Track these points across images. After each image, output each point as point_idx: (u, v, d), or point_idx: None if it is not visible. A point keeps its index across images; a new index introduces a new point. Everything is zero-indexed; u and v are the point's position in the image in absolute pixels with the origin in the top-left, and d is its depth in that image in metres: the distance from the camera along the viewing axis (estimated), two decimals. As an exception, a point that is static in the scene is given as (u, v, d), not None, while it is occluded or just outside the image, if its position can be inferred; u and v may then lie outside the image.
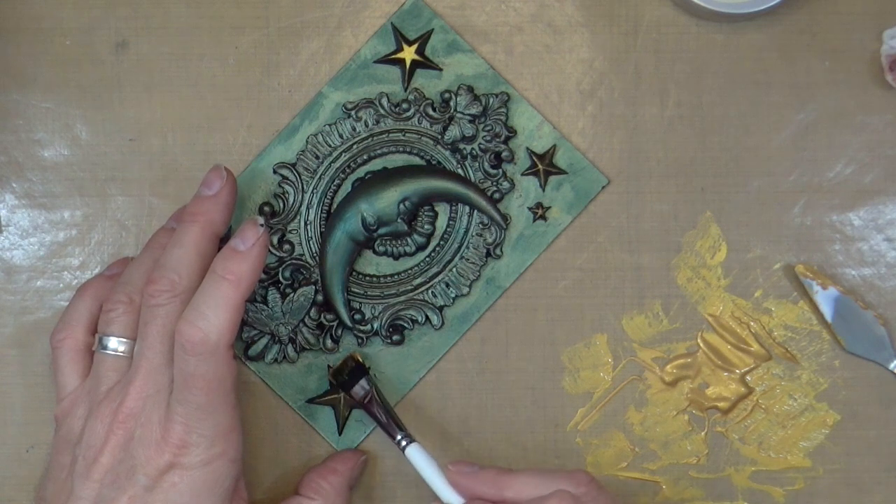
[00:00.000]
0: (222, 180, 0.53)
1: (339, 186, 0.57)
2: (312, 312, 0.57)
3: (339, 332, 0.57)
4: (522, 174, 0.57)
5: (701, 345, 0.58)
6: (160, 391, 0.50)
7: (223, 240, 0.53)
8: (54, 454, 0.52)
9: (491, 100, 0.57)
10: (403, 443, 0.54)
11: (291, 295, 0.57)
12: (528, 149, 0.57)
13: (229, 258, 0.50)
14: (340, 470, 0.55)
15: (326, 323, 0.57)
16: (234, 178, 0.53)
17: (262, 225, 0.51)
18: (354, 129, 0.57)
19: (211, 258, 0.52)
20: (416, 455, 0.54)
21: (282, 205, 0.57)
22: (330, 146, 0.57)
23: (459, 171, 0.57)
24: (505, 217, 0.57)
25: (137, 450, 0.50)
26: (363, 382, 0.55)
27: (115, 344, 0.52)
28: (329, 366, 0.57)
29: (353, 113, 0.57)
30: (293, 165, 0.57)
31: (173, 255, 0.51)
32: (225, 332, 0.49)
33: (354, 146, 0.57)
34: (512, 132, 0.57)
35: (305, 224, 0.57)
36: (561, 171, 0.58)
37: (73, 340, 0.53)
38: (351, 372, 0.56)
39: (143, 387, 0.50)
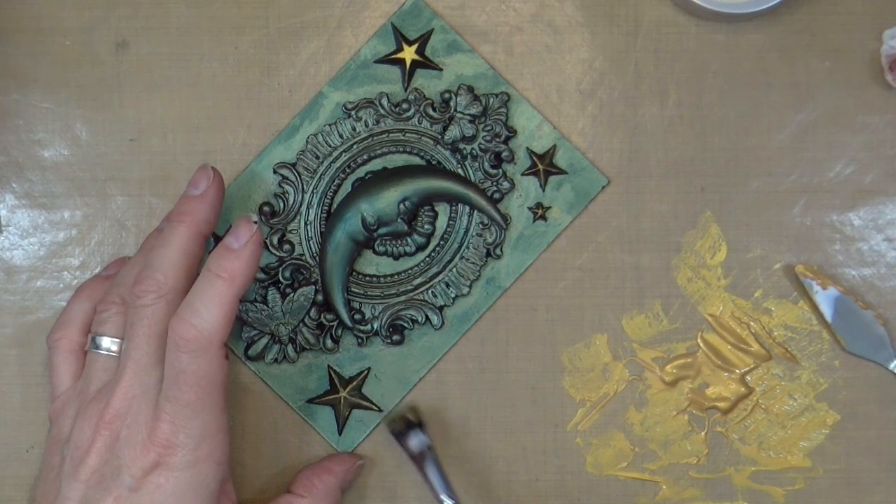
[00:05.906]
0: (209, 180, 0.53)
1: (339, 186, 0.57)
2: (312, 312, 0.57)
3: (339, 332, 0.57)
4: (522, 174, 0.57)
5: (701, 345, 0.58)
6: (147, 392, 0.50)
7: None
8: (46, 454, 0.52)
9: (491, 100, 0.57)
10: None
11: (291, 295, 0.57)
12: (528, 149, 0.57)
13: (223, 256, 0.50)
14: (335, 471, 0.55)
15: (326, 323, 0.57)
16: (220, 178, 0.53)
17: (255, 222, 0.51)
18: (354, 129, 0.57)
19: (198, 258, 0.52)
20: None
21: (282, 205, 0.57)
22: (330, 146, 0.57)
23: (459, 171, 0.57)
24: (505, 217, 0.57)
25: (123, 450, 0.49)
26: (422, 437, 0.54)
27: (108, 343, 0.52)
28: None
29: (353, 113, 0.57)
30: (293, 165, 0.57)
31: (159, 256, 0.51)
32: (218, 329, 0.49)
33: (354, 146, 0.57)
34: (512, 132, 0.57)
35: (305, 224, 0.57)
36: (561, 171, 0.58)
37: (67, 341, 0.53)
38: (408, 423, 0.55)
39: (129, 387, 0.50)
